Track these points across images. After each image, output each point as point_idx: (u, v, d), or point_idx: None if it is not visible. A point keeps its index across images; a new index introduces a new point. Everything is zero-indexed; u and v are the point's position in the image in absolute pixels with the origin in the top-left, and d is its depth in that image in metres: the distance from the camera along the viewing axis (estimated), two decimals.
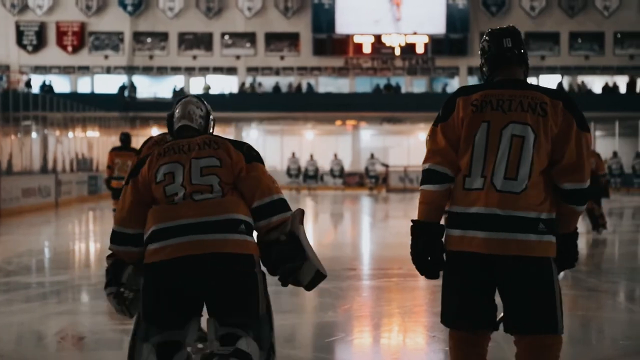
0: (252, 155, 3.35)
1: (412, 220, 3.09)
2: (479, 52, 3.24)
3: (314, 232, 12.58)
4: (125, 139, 13.31)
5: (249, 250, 3.20)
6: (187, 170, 3.26)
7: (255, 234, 3.31)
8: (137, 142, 28.34)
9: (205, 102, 3.63)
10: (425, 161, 3.07)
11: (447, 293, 3.08)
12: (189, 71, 35.29)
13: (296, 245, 3.27)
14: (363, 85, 35.26)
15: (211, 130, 3.61)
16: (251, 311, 3.16)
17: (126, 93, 33.55)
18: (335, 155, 31.40)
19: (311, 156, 30.23)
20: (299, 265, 3.27)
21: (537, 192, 2.96)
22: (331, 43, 34.92)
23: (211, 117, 3.62)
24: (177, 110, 3.54)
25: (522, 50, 3.13)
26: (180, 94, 33.26)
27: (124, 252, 3.36)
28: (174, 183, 3.25)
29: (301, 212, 3.38)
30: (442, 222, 3.09)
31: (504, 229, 2.93)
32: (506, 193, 2.94)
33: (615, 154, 30.07)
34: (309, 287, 3.35)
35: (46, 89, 31.98)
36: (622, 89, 34.13)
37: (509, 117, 2.97)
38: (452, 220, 3.04)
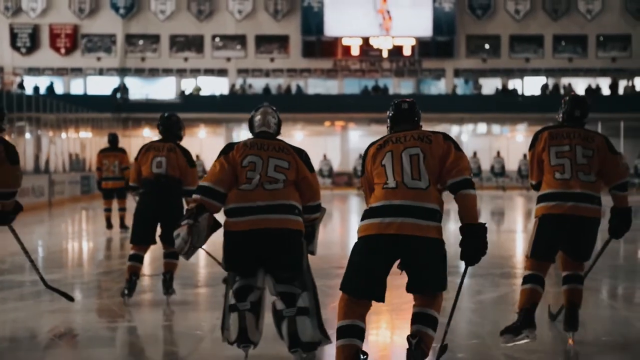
0: (311, 166, 4.62)
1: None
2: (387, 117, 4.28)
3: None
4: (113, 139, 13.31)
5: (299, 227, 4.48)
6: (265, 164, 4.46)
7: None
8: (129, 142, 28.71)
9: (276, 111, 4.78)
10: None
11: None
12: (181, 73, 35.53)
13: (313, 232, 4.70)
14: (351, 86, 35.56)
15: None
16: (297, 266, 4.45)
17: (118, 94, 33.73)
18: (325, 156, 31.71)
19: None
20: (308, 244, 4.63)
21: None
22: (320, 45, 35.21)
23: (280, 122, 4.80)
24: (258, 118, 4.73)
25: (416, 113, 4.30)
26: (183, 97, 33.67)
27: (209, 203, 4.43)
28: (254, 170, 4.44)
29: (323, 212, 4.75)
30: None
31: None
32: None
33: None
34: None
35: (48, 90, 32.21)
36: (605, 91, 34.45)
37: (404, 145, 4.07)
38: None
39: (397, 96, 34.59)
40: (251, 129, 4.74)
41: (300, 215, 4.50)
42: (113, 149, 13.22)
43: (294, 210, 4.45)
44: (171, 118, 6.88)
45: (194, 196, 4.47)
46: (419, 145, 4.00)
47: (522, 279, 5.01)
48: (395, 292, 7.13)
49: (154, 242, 6.63)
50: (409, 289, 3.97)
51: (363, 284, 3.89)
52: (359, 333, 3.87)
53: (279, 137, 4.73)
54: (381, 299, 3.89)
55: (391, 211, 3.86)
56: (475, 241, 3.91)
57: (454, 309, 4.15)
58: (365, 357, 3.87)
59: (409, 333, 3.96)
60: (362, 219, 3.98)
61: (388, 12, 34.97)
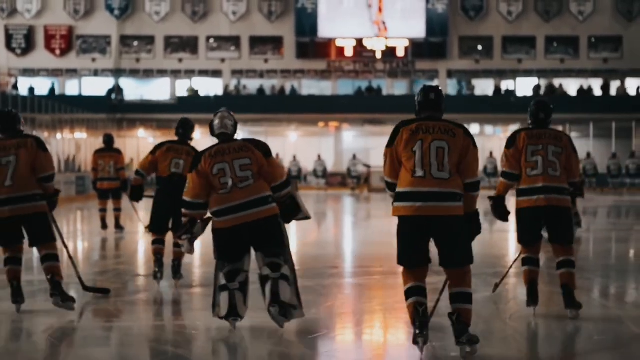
0: (267, 152, 5.43)
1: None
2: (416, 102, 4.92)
3: (297, 231, 12.52)
4: (109, 140, 13.29)
5: (274, 212, 5.34)
6: (232, 167, 5.28)
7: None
8: (124, 143, 28.75)
9: (232, 114, 5.52)
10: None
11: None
12: (175, 74, 35.55)
13: (293, 202, 5.52)
14: (345, 87, 35.60)
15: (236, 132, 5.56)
16: (280, 243, 5.34)
17: (113, 95, 33.71)
18: (319, 157, 31.79)
19: (294, 157, 30.55)
20: (296, 214, 5.55)
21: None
22: (314, 46, 35.29)
23: (236, 123, 5.56)
24: (217, 122, 5.49)
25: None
26: (178, 98, 33.77)
27: (197, 213, 5.35)
28: (225, 176, 5.27)
29: (295, 183, 6.08)
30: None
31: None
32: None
33: (588, 155, 30.67)
34: (300, 220, 5.64)
35: (50, 92, 32.17)
36: (597, 92, 34.53)
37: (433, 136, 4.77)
38: None
39: (391, 97, 34.73)
40: (212, 131, 5.52)
41: (273, 201, 5.37)
42: (108, 149, 13.19)
43: (267, 200, 5.32)
44: (189, 122, 7.86)
45: (183, 211, 5.38)
46: (445, 139, 4.71)
47: (521, 261, 5.97)
48: (388, 292, 7.27)
49: (169, 231, 7.56)
50: (442, 263, 4.75)
51: (412, 258, 4.73)
52: (422, 292, 4.70)
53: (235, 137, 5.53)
54: (427, 264, 4.76)
55: (422, 197, 4.64)
56: (474, 223, 4.82)
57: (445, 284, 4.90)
58: (424, 308, 4.66)
59: (449, 311, 4.69)
60: (397, 200, 4.75)
61: (384, 22, 35.06)
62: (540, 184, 5.72)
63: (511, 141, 5.87)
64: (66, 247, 6.77)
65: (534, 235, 5.81)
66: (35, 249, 6.28)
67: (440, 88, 4.99)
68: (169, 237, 7.56)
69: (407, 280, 4.74)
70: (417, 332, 4.59)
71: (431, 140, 4.68)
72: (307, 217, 5.66)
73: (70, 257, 6.81)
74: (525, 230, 5.82)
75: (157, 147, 7.65)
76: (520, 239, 5.89)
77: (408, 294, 4.70)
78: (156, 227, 7.60)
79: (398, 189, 4.72)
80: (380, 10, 35.14)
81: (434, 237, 4.69)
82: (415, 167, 4.67)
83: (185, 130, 7.69)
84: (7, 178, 6.03)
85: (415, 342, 4.63)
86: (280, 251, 5.33)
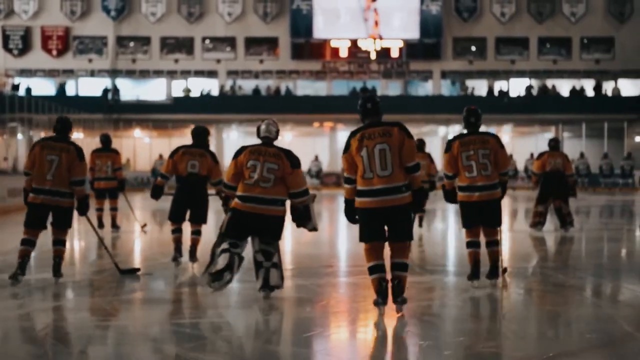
0: (295, 163, 6.57)
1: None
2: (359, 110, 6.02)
3: (293, 230, 12.26)
4: (106, 140, 13.20)
5: (281, 213, 6.57)
6: (261, 167, 6.49)
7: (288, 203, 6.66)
8: (120, 143, 28.70)
9: (276, 123, 6.80)
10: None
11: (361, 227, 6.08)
12: (171, 74, 35.64)
13: (307, 211, 6.66)
14: (340, 88, 35.75)
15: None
16: (276, 237, 6.60)
17: (110, 96, 33.78)
18: (317, 157, 31.90)
19: None
20: (305, 222, 6.72)
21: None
22: (309, 47, 35.42)
23: (279, 130, 6.82)
24: (263, 127, 6.70)
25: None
26: (174, 98, 33.82)
27: (231, 193, 6.65)
28: (254, 171, 6.50)
29: (314, 196, 6.73)
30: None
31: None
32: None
33: (582, 155, 30.86)
34: (309, 229, 6.81)
35: (58, 93, 32.07)
36: (589, 92, 34.74)
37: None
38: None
39: (385, 98, 34.86)
40: (258, 134, 6.73)
41: (283, 205, 6.58)
42: (106, 149, 13.11)
43: (278, 202, 6.52)
44: (200, 130, 9.08)
45: (225, 191, 6.75)
46: (385, 141, 5.88)
47: (466, 244, 7.25)
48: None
49: (184, 220, 8.91)
50: (389, 239, 5.96)
51: (372, 236, 5.95)
52: (383, 268, 5.95)
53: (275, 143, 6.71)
54: (384, 241, 5.96)
55: (374, 193, 5.86)
56: (416, 199, 5.98)
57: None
58: (386, 283, 5.90)
59: (390, 277, 5.87)
60: (358, 196, 5.95)
61: (380, 35, 35.22)
62: (477, 183, 7.15)
63: (448, 148, 7.29)
64: (102, 240, 8.52)
65: (473, 221, 7.21)
66: (60, 275, 7.63)
67: (374, 95, 6.31)
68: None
69: (369, 258, 5.97)
70: (380, 299, 5.89)
71: (373, 145, 5.88)
72: (315, 229, 6.77)
73: (105, 248, 8.54)
74: (467, 218, 7.25)
75: (174, 152, 8.92)
76: (464, 225, 7.32)
77: (372, 270, 5.95)
78: (175, 217, 8.95)
79: (357, 187, 5.97)
80: (376, 24, 35.28)
81: (386, 221, 5.93)
82: (364, 170, 5.90)
83: (201, 136, 8.98)
84: (49, 173, 7.43)
85: (376, 304, 5.91)
86: (273, 242, 6.59)
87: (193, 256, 8.76)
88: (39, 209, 7.47)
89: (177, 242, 8.92)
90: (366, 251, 5.99)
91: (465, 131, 7.42)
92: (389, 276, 5.96)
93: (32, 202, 7.47)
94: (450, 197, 7.46)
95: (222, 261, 6.39)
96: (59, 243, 7.65)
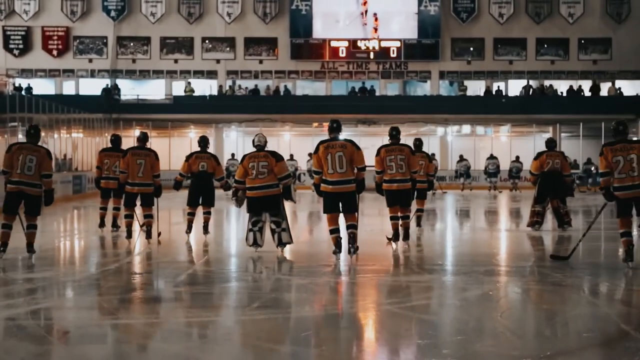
0: (278, 159, 9.68)
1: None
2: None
3: (292, 229, 12.49)
4: (116, 140, 13.32)
5: (278, 192, 9.68)
6: (257, 165, 9.58)
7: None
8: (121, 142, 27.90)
9: (264, 135, 9.90)
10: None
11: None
12: (171, 74, 35.64)
13: (289, 190, 9.81)
14: (339, 88, 35.80)
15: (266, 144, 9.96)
16: (280, 209, 9.72)
17: (110, 95, 33.91)
18: None
19: (291, 156, 30.19)
20: (288, 197, 9.87)
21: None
22: (308, 47, 35.44)
23: (266, 140, 9.95)
24: (256, 139, 9.80)
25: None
26: (173, 98, 33.89)
27: (241, 187, 9.72)
28: (253, 169, 9.59)
29: (292, 179, 7.77)
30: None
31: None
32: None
33: (589, 160, 30.87)
34: (294, 202, 10.66)
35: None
36: (586, 93, 34.76)
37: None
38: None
39: (384, 98, 34.98)
40: (253, 143, 9.83)
41: (278, 187, 9.59)
42: (115, 149, 13.24)
43: (273, 185, 9.59)
44: (206, 138, 12.37)
45: (235, 185, 9.82)
46: (341, 151, 9.08)
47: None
48: (381, 290, 7.35)
49: (199, 205, 11.92)
50: (343, 211, 9.19)
51: (332, 210, 9.23)
52: (338, 230, 9.20)
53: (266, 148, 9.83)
54: (339, 213, 9.19)
55: (335, 183, 9.08)
56: (358, 186, 9.19)
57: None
58: (340, 239, 9.12)
59: (347, 232, 9.21)
60: (324, 183, 9.14)
61: (379, 40, 35.33)
62: (396, 177, 10.44)
63: (378, 153, 10.50)
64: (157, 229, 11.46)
65: (394, 202, 10.53)
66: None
67: (338, 120, 9.56)
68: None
69: (330, 223, 9.22)
70: (337, 250, 9.12)
71: (335, 152, 9.07)
72: (294, 201, 10.38)
73: (158, 233, 11.53)
74: (390, 200, 10.52)
75: (189, 156, 12.02)
76: (388, 204, 10.57)
77: (332, 231, 9.17)
78: (192, 202, 11.90)
79: (323, 178, 9.14)
80: (375, 30, 35.31)
81: (341, 200, 9.10)
82: (329, 167, 9.08)
83: (205, 143, 12.16)
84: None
85: (334, 253, 9.13)
86: (279, 212, 9.65)
87: (206, 230, 11.91)
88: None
89: (190, 222, 11.79)
90: (328, 219, 9.23)
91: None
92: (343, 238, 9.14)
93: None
94: (380, 190, 10.54)
95: (250, 238, 9.77)
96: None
